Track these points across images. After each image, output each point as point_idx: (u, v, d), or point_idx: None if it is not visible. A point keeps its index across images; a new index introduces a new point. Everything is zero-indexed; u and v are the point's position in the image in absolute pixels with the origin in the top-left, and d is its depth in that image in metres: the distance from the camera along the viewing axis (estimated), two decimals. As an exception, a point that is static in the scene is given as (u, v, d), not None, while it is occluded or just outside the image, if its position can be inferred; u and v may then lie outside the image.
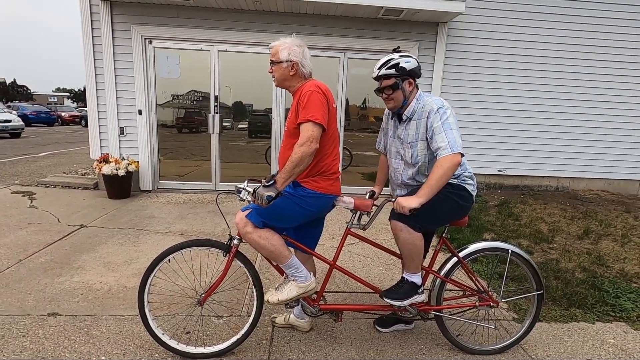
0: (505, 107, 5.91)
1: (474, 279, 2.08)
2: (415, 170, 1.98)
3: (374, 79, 1.98)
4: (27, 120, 19.29)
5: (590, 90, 5.96)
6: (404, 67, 1.88)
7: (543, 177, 6.26)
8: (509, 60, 5.75)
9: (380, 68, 1.93)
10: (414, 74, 1.91)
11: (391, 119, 2.12)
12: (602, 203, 5.66)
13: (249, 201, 1.73)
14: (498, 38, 5.67)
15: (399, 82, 1.90)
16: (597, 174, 6.30)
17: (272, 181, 1.67)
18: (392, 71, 1.89)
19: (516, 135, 6.01)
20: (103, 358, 1.93)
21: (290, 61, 1.85)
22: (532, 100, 5.91)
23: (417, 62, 1.94)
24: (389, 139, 2.13)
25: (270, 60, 1.90)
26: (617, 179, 6.36)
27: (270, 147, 5.91)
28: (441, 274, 2.03)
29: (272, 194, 1.63)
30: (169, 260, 1.88)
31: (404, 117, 1.97)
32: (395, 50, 1.97)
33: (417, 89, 1.98)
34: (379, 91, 1.99)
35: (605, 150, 6.20)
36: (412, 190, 1.89)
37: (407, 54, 1.93)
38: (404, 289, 1.94)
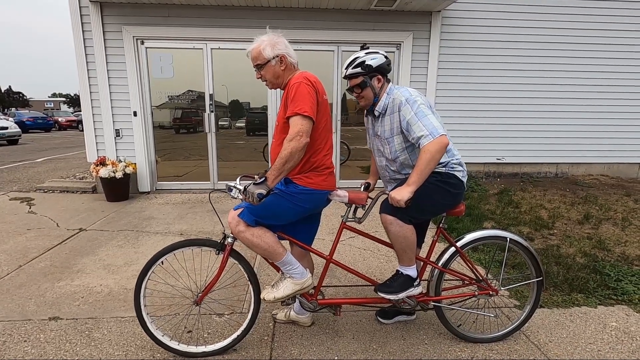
0: (502, 95, 5.87)
1: (472, 268, 2.07)
2: (398, 164, 1.96)
3: (344, 78, 1.96)
4: (24, 126, 19.29)
5: (587, 75, 5.92)
6: (370, 65, 1.85)
7: (542, 163, 6.24)
8: (505, 47, 5.71)
9: (347, 68, 1.90)
10: (382, 69, 1.88)
11: (366, 116, 2.10)
12: (601, 187, 5.65)
13: (241, 199, 1.70)
14: (493, 25, 5.62)
15: (366, 80, 1.88)
16: (596, 158, 6.29)
17: (263, 178, 1.63)
18: (359, 70, 1.87)
19: (514, 122, 5.98)
20: (105, 360, 1.93)
21: (277, 56, 1.80)
22: (529, 87, 5.87)
23: (385, 57, 1.90)
24: (370, 137, 2.12)
25: (256, 65, 1.83)
26: (616, 162, 6.35)
27: (267, 144, 5.92)
28: (439, 264, 2.01)
29: (263, 191, 1.59)
30: (162, 262, 1.85)
31: (376, 113, 1.95)
32: (362, 48, 1.94)
33: (388, 82, 1.95)
34: (349, 90, 1.96)
35: (603, 134, 6.17)
36: (402, 182, 1.87)
37: (374, 51, 1.90)
38: (399, 282, 1.93)
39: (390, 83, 1.96)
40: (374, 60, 1.86)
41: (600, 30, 5.77)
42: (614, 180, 6.12)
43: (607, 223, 4.10)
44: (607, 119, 6.11)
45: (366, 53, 1.88)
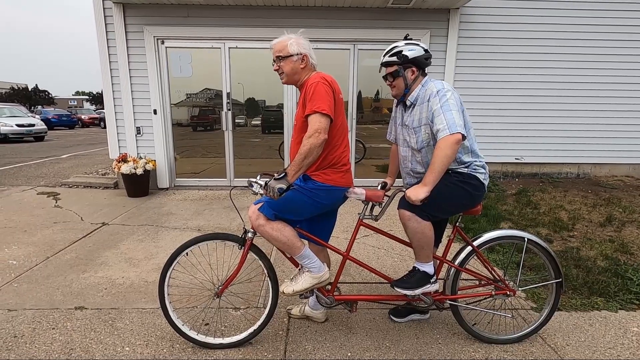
0: (522, 93, 5.74)
1: (489, 267, 2.06)
2: (422, 156, 1.97)
3: (381, 64, 1.99)
4: (50, 123, 20.01)
5: (611, 72, 5.72)
6: (406, 55, 1.87)
7: (563, 164, 6.08)
8: (524, 44, 5.58)
9: (385, 55, 1.94)
10: (417, 62, 1.89)
11: (397, 106, 2.12)
12: (626, 189, 5.46)
13: (261, 194, 1.75)
14: (512, 22, 5.50)
15: (400, 70, 1.90)
16: (621, 159, 6.07)
17: (283, 174, 1.69)
18: (394, 59, 1.89)
19: (534, 121, 5.84)
20: (127, 348, 2.01)
21: (300, 53, 1.86)
22: (550, 85, 5.72)
23: (425, 50, 1.91)
24: (398, 127, 2.12)
25: (278, 56, 1.89)
26: (642, 163, 6.12)
27: (283, 142, 5.97)
28: (455, 263, 2.01)
29: (283, 186, 1.65)
30: (187, 253, 1.93)
31: (408, 103, 1.97)
32: (405, 38, 1.95)
33: (424, 76, 1.95)
34: (384, 78, 2.00)
35: (629, 134, 5.95)
36: (421, 178, 1.88)
37: (414, 42, 1.90)
38: (415, 278, 1.94)
39: (427, 76, 1.96)
40: (411, 51, 1.88)
41: (623, 26, 5.57)
42: (639, 181, 5.90)
43: (630, 226, 3.97)
44: (633, 117, 5.89)
45: (405, 43, 1.90)
